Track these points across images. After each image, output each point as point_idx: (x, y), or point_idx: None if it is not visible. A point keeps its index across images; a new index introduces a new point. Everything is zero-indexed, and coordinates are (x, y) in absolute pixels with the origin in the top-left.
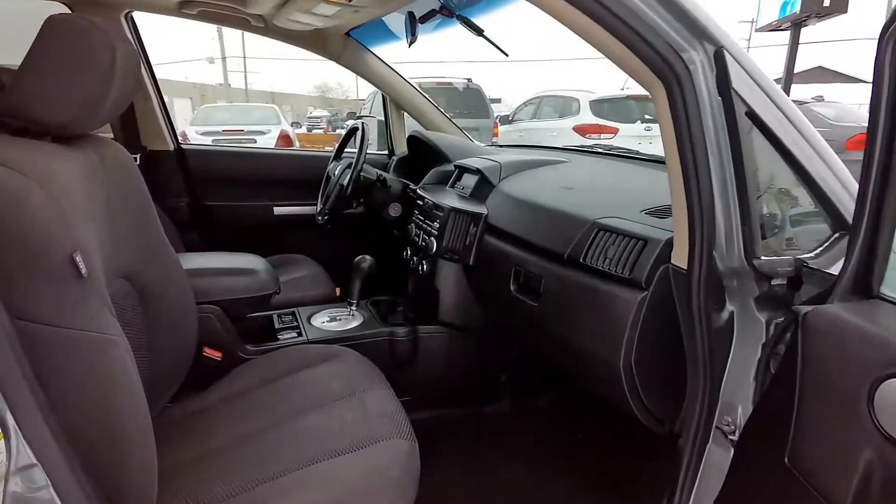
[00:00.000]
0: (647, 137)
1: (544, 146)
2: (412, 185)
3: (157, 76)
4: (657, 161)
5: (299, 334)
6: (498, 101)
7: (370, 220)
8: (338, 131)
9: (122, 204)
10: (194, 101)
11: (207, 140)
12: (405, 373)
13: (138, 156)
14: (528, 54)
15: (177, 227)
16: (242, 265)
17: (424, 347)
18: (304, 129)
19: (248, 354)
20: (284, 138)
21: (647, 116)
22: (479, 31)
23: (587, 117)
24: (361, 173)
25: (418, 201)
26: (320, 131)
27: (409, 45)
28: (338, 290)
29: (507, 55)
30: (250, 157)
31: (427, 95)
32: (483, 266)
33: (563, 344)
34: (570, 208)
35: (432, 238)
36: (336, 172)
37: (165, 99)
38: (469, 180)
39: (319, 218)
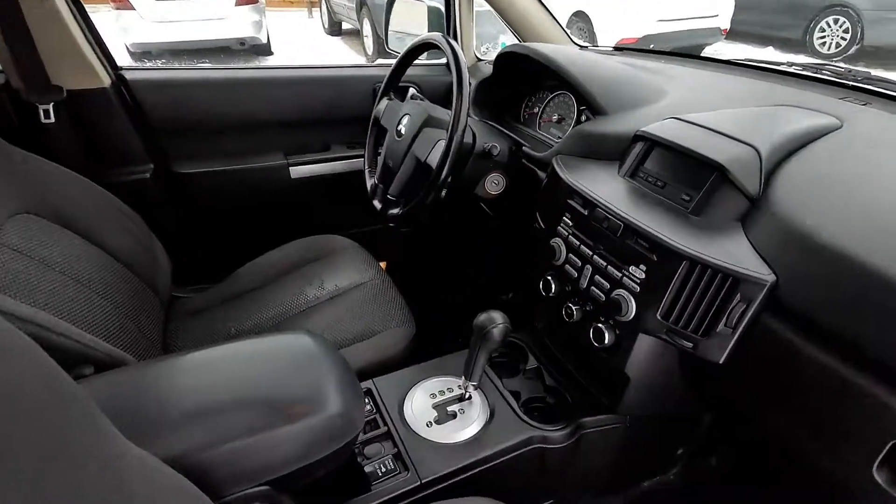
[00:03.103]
0: None
1: (735, 61)
2: (533, 152)
3: None
4: None
5: (397, 458)
6: None
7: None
8: None
9: None
10: None
11: None
12: (552, 477)
13: (50, 107)
14: None
15: (141, 213)
16: (299, 388)
17: (588, 445)
18: None
19: None
20: None
21: None
22: None
23: None
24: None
25: (570, 201)
26: None
27: None
28: (383, 265)
29: None
30: (244, 86)
31: None
32: (757, 380)
33: None
34: None
35: (625, 293)
36: (403, 129)
37: None
38: (681, 171)
39: (377, 204)
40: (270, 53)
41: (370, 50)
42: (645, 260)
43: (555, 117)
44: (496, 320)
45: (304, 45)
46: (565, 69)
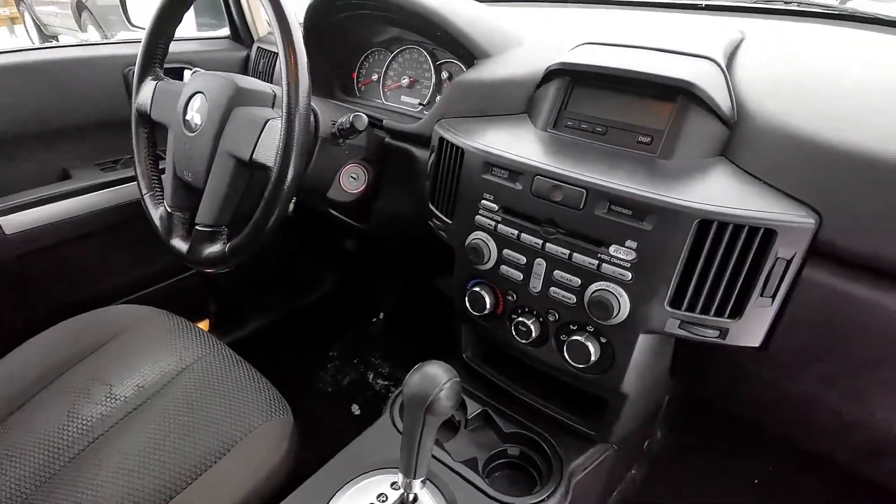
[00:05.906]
0: None
1: None
2: (399, 125)
3: None
4: None
5: None
6: None
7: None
8: None
9: None
10: None
11: None
12: None
13: None
14: None
15: None
16: None
17: (579, 489)
18: None
19: None
20: None
21: None
22: None
23: None
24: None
25: (488, 175)
26: None
27: None
28: (204, 326)
29: None
30: None
31: None
32: (808, 354)
33: None
34: None
35: (609, 286)
36: (197, 117)
37: None
38: (625, 107)
39: (180, 244)
40: None
41: None
42: (633, 233)
43: (404, 81)
44: (439, 378)
45: None
46: (436, 12)
